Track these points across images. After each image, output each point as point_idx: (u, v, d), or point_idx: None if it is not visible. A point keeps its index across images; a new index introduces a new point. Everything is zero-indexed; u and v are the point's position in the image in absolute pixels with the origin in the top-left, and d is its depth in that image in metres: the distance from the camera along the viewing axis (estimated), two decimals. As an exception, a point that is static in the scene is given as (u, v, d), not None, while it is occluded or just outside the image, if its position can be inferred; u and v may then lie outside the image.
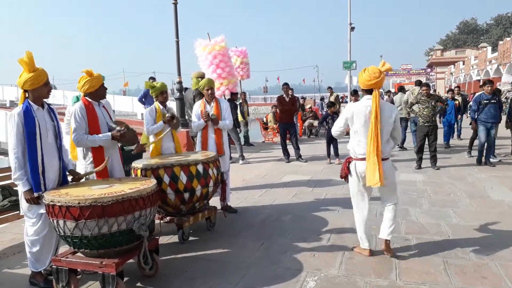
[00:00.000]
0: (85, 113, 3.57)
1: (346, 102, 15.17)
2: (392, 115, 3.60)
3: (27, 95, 3.18)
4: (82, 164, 3.66)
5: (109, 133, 3.64)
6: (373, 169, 3.44)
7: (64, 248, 3.47)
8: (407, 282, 3.20)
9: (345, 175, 3.78)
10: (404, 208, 5.20)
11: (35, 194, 3.11)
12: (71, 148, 3.84)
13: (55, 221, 2.94)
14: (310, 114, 15.26)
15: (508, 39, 32.48)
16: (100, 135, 3.61)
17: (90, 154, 3.62)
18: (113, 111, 4.14)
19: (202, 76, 6.60)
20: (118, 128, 3.67)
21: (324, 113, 10.96)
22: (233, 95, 10.04)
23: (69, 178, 3.48)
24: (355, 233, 3.84)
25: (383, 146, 3.50)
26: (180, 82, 9.44)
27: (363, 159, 3.54)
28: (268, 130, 13.89)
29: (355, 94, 12.22)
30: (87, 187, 3.20)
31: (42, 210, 3.16)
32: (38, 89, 3.16)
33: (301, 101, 15.92)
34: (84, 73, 3.62)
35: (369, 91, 3.57)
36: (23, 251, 3.56)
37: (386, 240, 3.67)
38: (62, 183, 3.36)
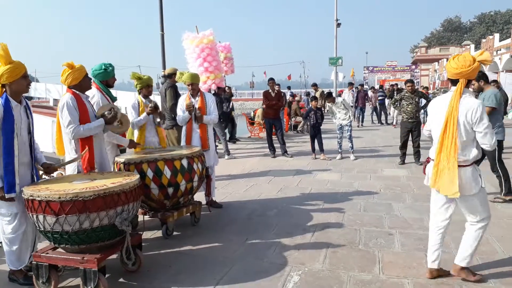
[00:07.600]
0: (76, 104, 3.51)
1: (340, 96, 14.64)
2: (469, 115, 2.87)
3: (4, 90, 3.06)
4: (73, 157, 3.55)
5: (101, 118, 3.64)
6: (440, 175, 3.00)
7: (44, 244, 3.40)
8: (390, 276, 3.23)
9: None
10: (387, 203, 5.27)
11: (6, 196, 2.98)
12: (57, 144, 3.75)
13: (34, 216, 2.88)
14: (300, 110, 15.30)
15: (491, 37, 33.02)
16: (93, 122, 3.59)
17: (79, 148, 3.53)
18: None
19: (174, 72, 6.67)
20: (106, 112, 3.68)
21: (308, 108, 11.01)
22: (219, 90, 10.00)
23: (41, 172, 3.37)
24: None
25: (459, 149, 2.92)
26: (164, 76, 9.32)
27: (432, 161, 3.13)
28: (254, 125, 13.86)
29: (349, 85, 12.24)
30: (68, 182, 3.14)
31: (15, 209, 3.08)
32: (16, 82, 3.06)
33: (289, 98, 15.90)
34: (66, 67, 3.55)
35: (454, 82, 2.99)
36: (2, 247, 3.47)
37: (457, 265, 3.14)
38: (34, 180, 3.25)
